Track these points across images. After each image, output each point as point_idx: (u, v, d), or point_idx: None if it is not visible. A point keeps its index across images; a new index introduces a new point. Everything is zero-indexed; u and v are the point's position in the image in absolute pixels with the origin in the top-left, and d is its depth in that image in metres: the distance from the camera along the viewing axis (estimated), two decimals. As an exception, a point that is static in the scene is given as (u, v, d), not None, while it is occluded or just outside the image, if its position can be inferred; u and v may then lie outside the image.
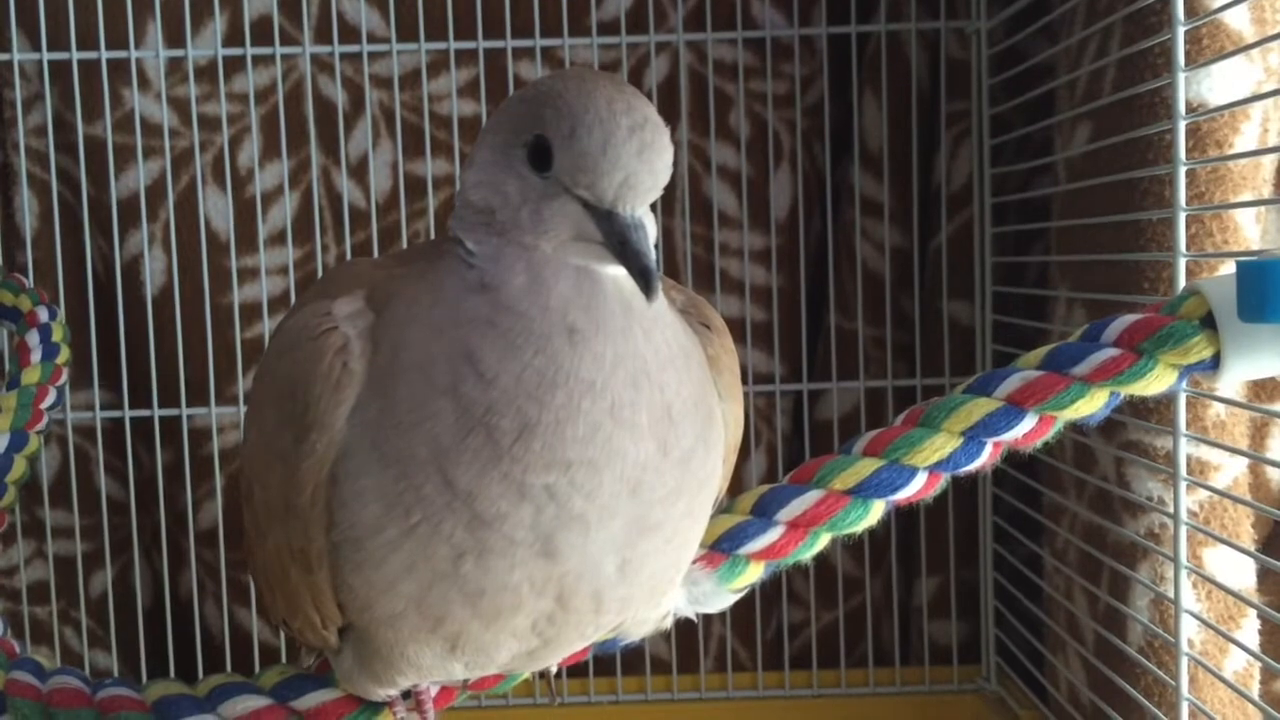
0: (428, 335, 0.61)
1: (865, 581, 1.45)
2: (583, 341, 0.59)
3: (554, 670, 0.74)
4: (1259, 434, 1.07)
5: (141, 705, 0.72)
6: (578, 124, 0.56)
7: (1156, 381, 0.70)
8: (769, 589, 1.45)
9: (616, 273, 0.60)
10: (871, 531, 1.40)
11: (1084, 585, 1.12)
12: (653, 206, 1.25)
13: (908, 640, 1.47)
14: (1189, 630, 0.96)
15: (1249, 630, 1.00)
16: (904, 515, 1.44)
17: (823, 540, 0.73)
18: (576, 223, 0.58)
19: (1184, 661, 0.93)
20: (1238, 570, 0.99)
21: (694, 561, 0.71)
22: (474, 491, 0.58)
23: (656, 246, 0.65)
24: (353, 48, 1.39)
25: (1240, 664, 1.00)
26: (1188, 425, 0.95)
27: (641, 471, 0.60)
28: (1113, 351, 0.70)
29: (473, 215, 0.62)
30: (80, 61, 1.36)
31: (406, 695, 0.71)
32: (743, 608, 1.45)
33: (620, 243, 0.57)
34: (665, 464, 0.61)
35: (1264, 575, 1.02)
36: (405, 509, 0.59)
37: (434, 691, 0.72)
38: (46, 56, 1.37)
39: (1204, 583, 0.97)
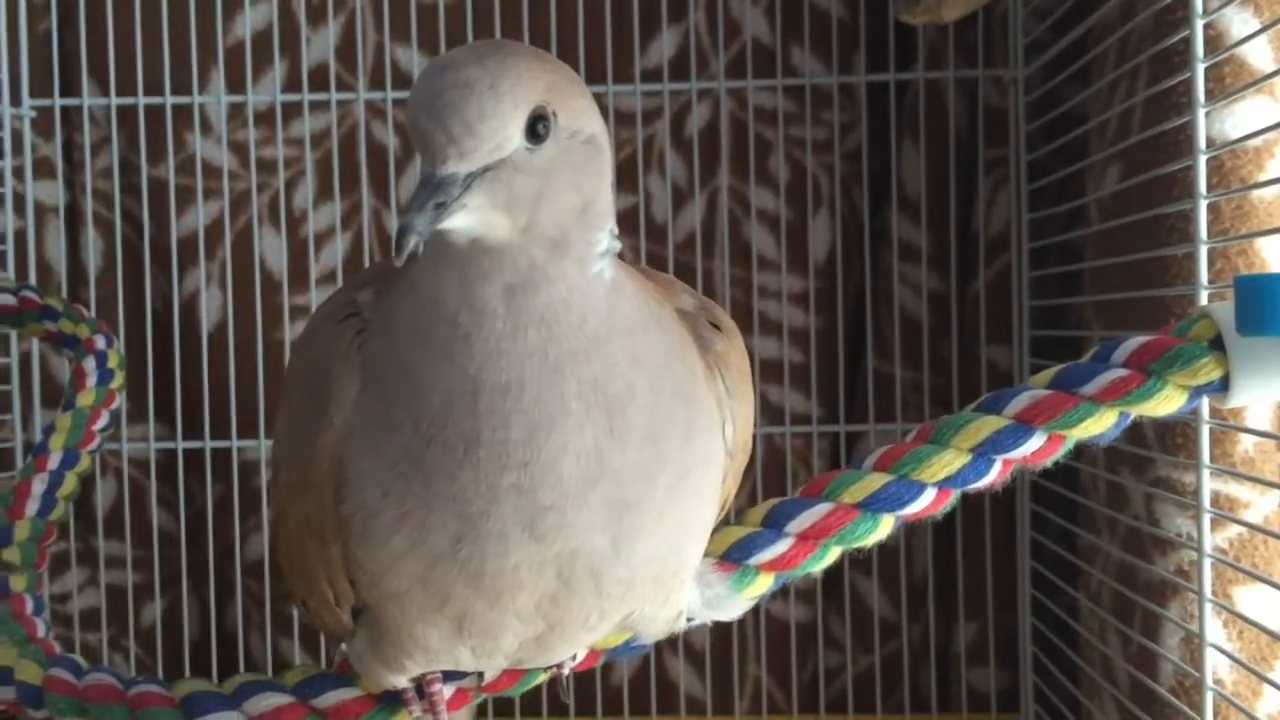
0: (383, 342, 0.63)
1: (903, 626, 1.44)
2: (475, 341, 0.60)
3: (567, 671, 0.75)
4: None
5: (170, 701, 0.75)
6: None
7: (1165, 402, 0.71)
8: (806, 631, 1.45)
9: (480, 255, 0.60)
10: (909, 576, 1.42)
11: (1117, 626, 1.11)
12: (691, 247, 1.27)
13: (946, 687, 1.46)
14: (1220, 669, 0.95)
15: (1284, 672, 0.99)
16: (942, 559, 1.44)
17: (832, 553, 0.74)
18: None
19: (1209, 697, 0.92)
20: (1272, 609, 0.98)
21: (710, 566, 0.73)
22: (453, 493, 0.61)
23: (619, 251, 0.65)
24: (405, 94, 1.43)
25: (1275, 706, 0.99)
26: (1215, 460, 0.95)
27: (596, 456, 0.61)
28: (1121, 372, 0.71)
29: None
30: (146, 106, 1.43)
31: (421, 694, 0.73)
32: (779, 650, 1.45)
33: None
34: (622, 445, 0.62)
35: (1301, 617, 1.01)
36: (398, 497, 0.62)
37: (449, 694, 0.73)
38: (115, 102, 1.44)
39: (1235, 621, 0.96)
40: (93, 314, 1.40)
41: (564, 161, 0.60)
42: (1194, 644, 0.98)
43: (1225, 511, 0.96)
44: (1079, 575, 1.26)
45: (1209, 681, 0.92)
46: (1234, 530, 0.97)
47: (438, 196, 0.56)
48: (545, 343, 0.61)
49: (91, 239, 1.46)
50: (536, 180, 0.59)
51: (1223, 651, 0.93)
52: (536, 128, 0.59)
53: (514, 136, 0.58)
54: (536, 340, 0.60)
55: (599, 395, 0.61)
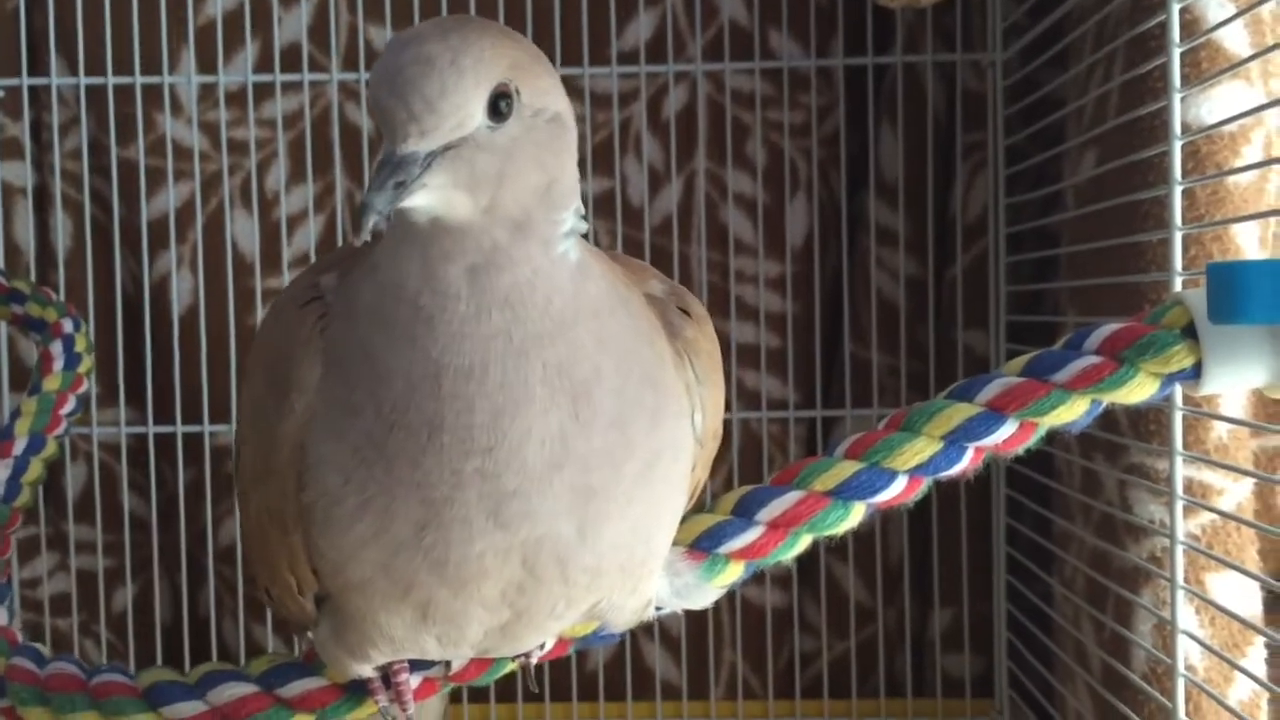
0: (344, 325, 0.63)
1: (879, 612, 1.44)
2: (438, 324, 0.59)
3: (535, 660, 0.75)
4: (1271, 461, 1.06)
5: (134, 691, 0.74)
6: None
7: (1137, 389, 0.70)
8: (781, 617, 1.45)
9: (442, 235, 0.59)
10: (885, 561, 1.42)
11: (1091, 613, 1.12)
12: (668, 231, 1.25)
13: (921, 672, 1.46)
14: (1192, 655, 0.95)
15: (1255, 658, 0.99)
16: (918, 545, 1.44)
17: (803, 541, 0.73)
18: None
19: (1180, 683, 0.92)
20: (1244, 597, 0.98)
21: (679, 555, 0.72)
22: (416, 479, 0.60)
23: (585, 235, 0.64)
24: (379, 75, 1.42)
25: (1246, 693, 0.99)
26: (1188, 447, 0.95)
27: (561, 441, 0.60)
28: (1094, 359, 0.71)
29: None
30: (116, 86, 1.41)
31: (387, 684, 0.72)
32: (754, 635, 1.45)
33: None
34: (588, 430, 0.61)
35: (1273, 603, 1.01)
36: (360, 483, 0.61)
37: (415, 683, 0.73)
38: (84, 81, 1.42)
39: (1207, 608, 0.97)
40: (61, 296, 1.39)
41: (527, 140, 0.59)
42: (1166, 630, 0.98)
43: (1198, 498, 0.96)
44: (1053, 561, 1.26)
45: (1180, 668, 0.92)
46: (1206, 517, 0.97)
47: (398, 175, 0.56)
48: (509, 325, 0.60)
49: (60, 220, 1.44)
50: (499, 159, 0.58)
51: (1194, 638, 0.93)
52: (499, 105, 0.58)
53: (476, 114, 0.57)
54: (500, 322, 0.60)
55: (564, 379, 0.61)
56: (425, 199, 0.57)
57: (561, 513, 0.61)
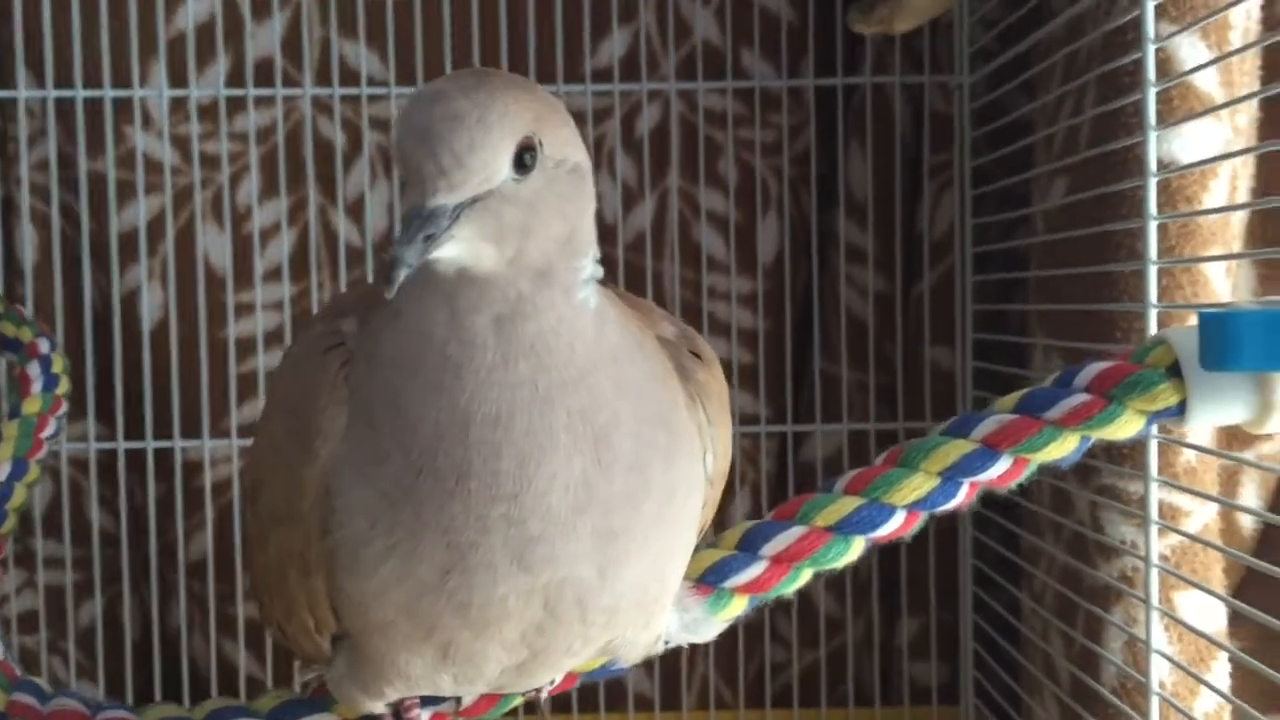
0: (369, 372, 0.64)
1: (847, 622, 1.47)
2: (466, 373, 0.60)
3: (544, 695, 0.76)
4: (1230, 482, 1.10)
5: (139, 728, 0.74)
6: (399, 113, 0.60)
7: (1125, 426, 0.73)
8: (752, 628, 1.47)
9: (467, 286, 0.60)
10: (854, 573, 1.45)
11: (1060, 627, 1.15)
12: (641, 248, 1.26)
13: (889, 680, 1.49)
14: (1161, 672, 0.98)
15: (1219, 673, 1.03)
16: (886, 557, 1.46)
17: (805, 575, 0.75)
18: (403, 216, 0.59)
19: (1155, 701, 0.95)
20: (1209, 614, 1.02)
21: (687, 590, 0.74)
22: (443, 524, 0.61)
23: (605, 279, 0.66)
24: (352, 90, 1.42)
25: (1210, 705, 1.02)
26: (1159, 471, 0.98)
27: (584, 485, 0.62)
28: (1084, 397, 0.73)
29: None
30: (85, 99, 1.39)
31: (398, 718, 0.73)
32: (726, 646, 1.47)
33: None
34: (609, 473, 0.62)
35: (1235, 619, 1.05)
36: (388, 527, 0.62)
37: (425, 718, 0.74)
38: (52, 94, 1.40)
39: (1176, 625, 1.00)
40: (30, 310, 1.37)
41: (550, 191, 0.61)
42: (1137, 647, 1.01)
43: (1168, 519, 1.00)
44: (1020, 575, 1.30)
45: (1154, 687, 0.95)
46: (1176, 538, 1.01)
47: (427, 229, 0.57)
48: (535, 373, 0.61)
49: (27, 233, 1.43)
50: (523, 211, 0.60)
51: (1166, 657, 0.97)
52: (524, 158, 0.59)
53: (502, 168, 0.59)
54: (526, 371, 0.61)
55: (587, 425, 0.62)
56: (453, 250, 0.58)
57: (583, 555, 0.63)
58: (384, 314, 0.64)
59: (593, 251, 0.65)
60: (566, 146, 0.62)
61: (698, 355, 0.71)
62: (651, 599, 0.68)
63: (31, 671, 1.41)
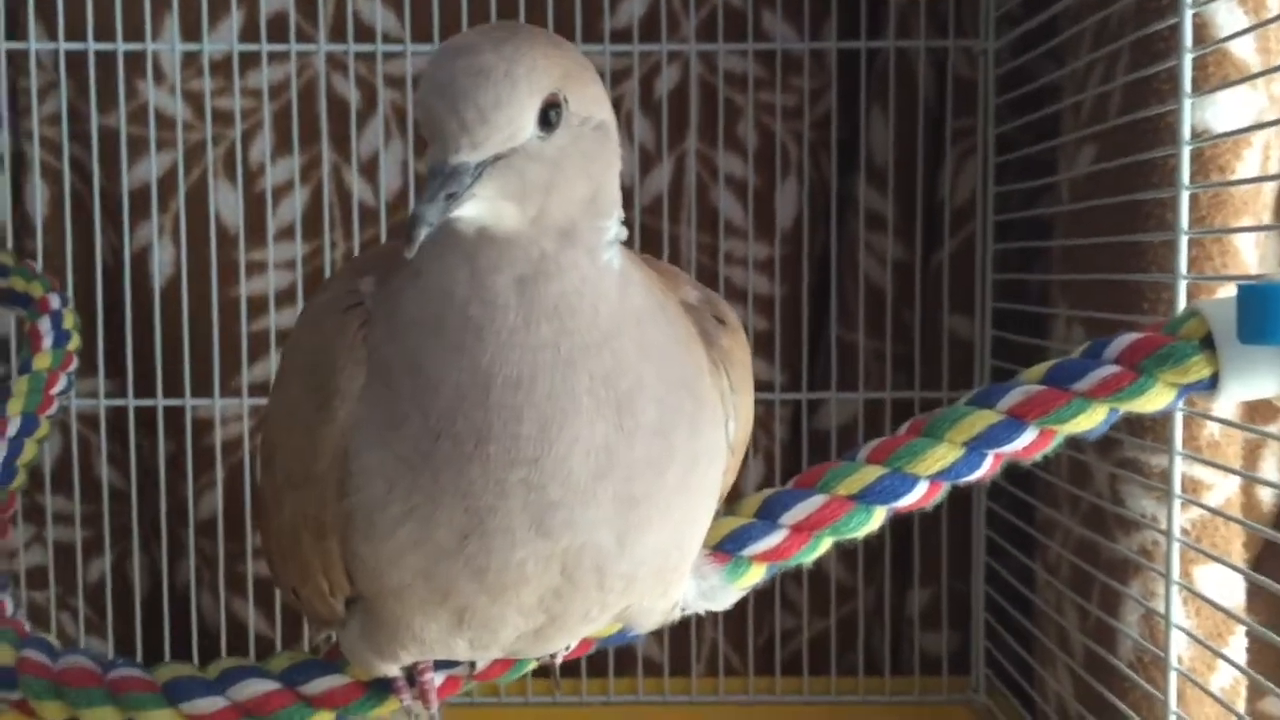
0: (388, 332, 0.62)
1: (858, 590, 1.46)
2: (487, 334, 0.59)
3: (558, 660, 0.75)
4: (1252, 455, 1.09)
5: (152, 686, 0.73)
6: (425, 67, 0.58)
7: (1155, 399, 0.72)
8: (763, 595, 1.46)
9: (490, 245, 0.59)
10: (866, 541, 1.42)
11: (1075, 600, 1.14)
12: (658, 211, 1.24)
13: (899, 650, 1.48)
14: (1178, 646, 0.98)
15: (1237, 647, 1.02)
16: (898, 526, 1.45)
17: (825, 544, 0.74)
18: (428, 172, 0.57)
19: (1173, 676, 0.94)
20: (1228, 588, 1.01)
21: (705, 557, 0.73)
22: (461, 488, 0.60)
23: (626, 241, 0.64)
24: (367, 47, 1.40)
25: (1227, 680, 1.02)
26: (1183, 444, 0.97)
27: (606, 451, 0.61)
28: (1113, 369, 0.72)
29: None
30: (96, 53, 1.38)
31: (412, 682, 0.72)
32: (736, 613, 1.45)
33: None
34: (631, 439, 0.61)
35: (1254, 594, 1.04)
36: (405, 491, 0.61)
37: (439, 681, 0.73)
38: (63, 47, 1.38)
39: (1194, 599, 0.99)
40: (40, 265, 1.37)
41: (575, 150, 0.59)
42: (1154, 621, 1.01)
43: (1190, 493, 0.98)
44: (1034, 546, 1.29)
45: (1173, 662, 0.94)
46: (1196, 511, 1.00)
47: (449, 186, 0.55)
48: (557, 335, 0.60)
49: (38, 188, 1.41)
50: (548, 169, 0.58)
51: (1185, 632, 0.96)
52: (549, 115, 0.58)
53: (528, 125, 0.57)
54: (549, 333, 0.60)
55: (609, 390, 0.61)
56: (475, 209, 0.57)
57: (603, 522, 0.62)
58: (404, 274, 0.63)
59: (617, 212, 0.63)
60: (593, 104, 0.60)
61: (721, 320, 0.69)
62: (671, 567, 0.67)
63: (40, 627, 1.41)
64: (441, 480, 0.60)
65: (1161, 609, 0.97)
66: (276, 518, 0.68)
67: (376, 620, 0.67)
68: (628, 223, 1.41)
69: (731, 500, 0.78)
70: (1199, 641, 0.97)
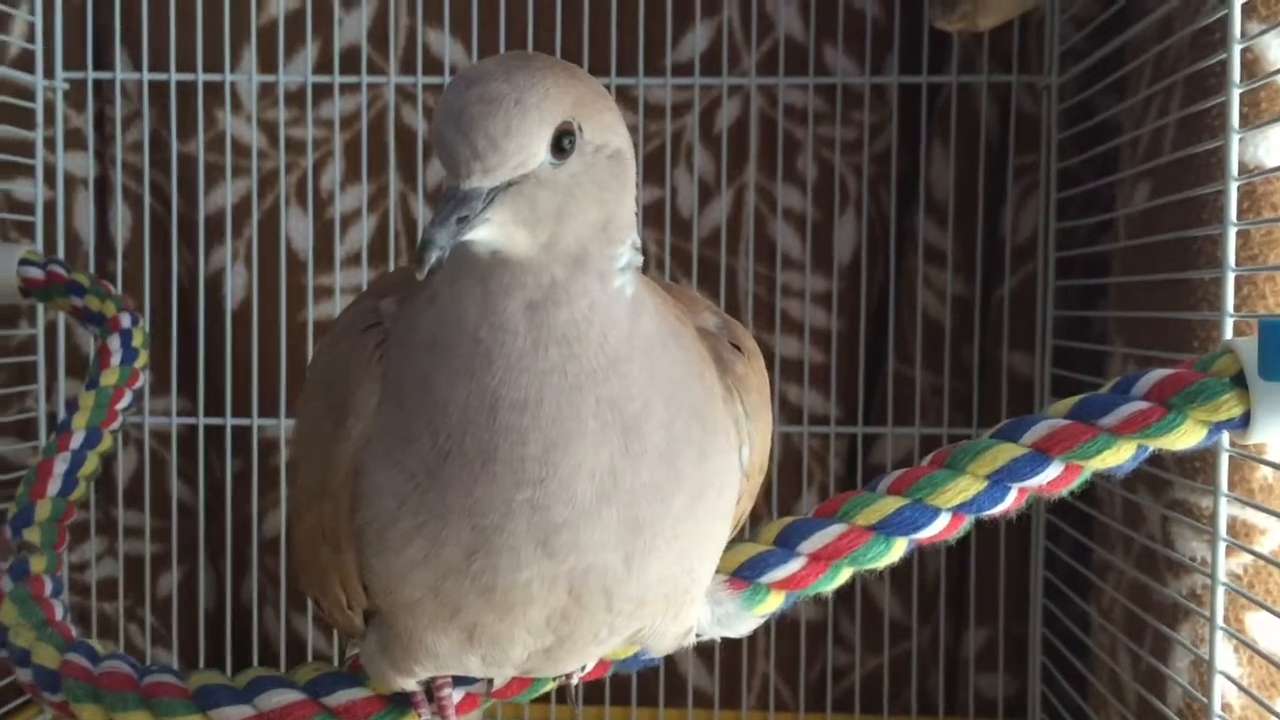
0: (403, 353, 0.64)
1: (913, 629, 1.44)
2: (496, 357, 0.60)
3: (575, 681, 0.76)
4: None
5: (184, 692, 0.76)
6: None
7: (1185, 436, 0.71)
8: (815, 630, 1.45)
9: (501, 270, 0.60)
10: (921, 579, 1.42)
11: (1128, 644, 1.12)
12: (716, 243, 1.25)
13: (953, 691, 1.46)
14: (1228, 694, 0.95)
15: (1291, 698, 0.99)
16: (955, 564, 1.44)
17: (844, 574, 0.74)
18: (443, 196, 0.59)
19: (1216, 723, 0.92)
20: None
21: (721, 583, 0.73)
22: (468, 507, 0.61)
23: (641, 265, 0.65)
24: (436, 79, 1.44)
25: (1281, 733, 0.99)
26: (1233, 487, 0.95)
27: (611, 474, 0.61)
28: (1142, 404, 0.71)
29: None
30: (178, 82, 1.43)
31: (430, 698, 0.74)
32: (788, 648, 1.46)
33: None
34: (637, 464, 0.62)
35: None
36: (414, 509, 0.62)
37: (457, 698, 0.74)
38: (147, 77, 1.44)
39: (1245, 647, 0.96)
40: (119, 287, 1.42)
41: (587, 177, 0.60)
42: (1204, 668, 0.98)
43: (1240, 539, 0.96)
44: (1091, 589, 1.26)
45: (1216, 708, 0.92)
46: (1248, 556, 0.97)
47: (460, 210, 0.57)
48: (565, 360, 0.61)
49: (120, 212, 1.47)
50: (560, 195, 0.59)
51: (1231, 680, 0.93)
52: (562, 143, 0.59)
53: (539, 152, 0.58)
54: (557, 358, 0.61)
55: (616, 414, 0.62)
56: (486, 234, 0.58)
57: (609, 544, 0.62)
58: (422, 296, 0.65)
59: (631, 238, 0.64)
60: (608, 131, 0.61)
61: (738, 347, 0.70)
62: (681, 591, 0.67)
63: (109, 637, 1.46)
64: (449, 499, 0.61)
65: (1209, 656, 0.94)
66: (299, 529, 0.70)
67: (392, 634, 0.68)
68: (684, 254, 1.43)
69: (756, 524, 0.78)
70: (1245, 691, 0.94)
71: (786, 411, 1.44)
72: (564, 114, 0.59)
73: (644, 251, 0.66)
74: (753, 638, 1.44)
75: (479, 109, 0.57)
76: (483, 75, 0.58)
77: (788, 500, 1.44)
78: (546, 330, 0.61)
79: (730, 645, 1.44)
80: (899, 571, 1.42)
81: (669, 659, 1.45)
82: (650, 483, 0.62)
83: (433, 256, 0.56)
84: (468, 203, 0.57)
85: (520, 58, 0.60)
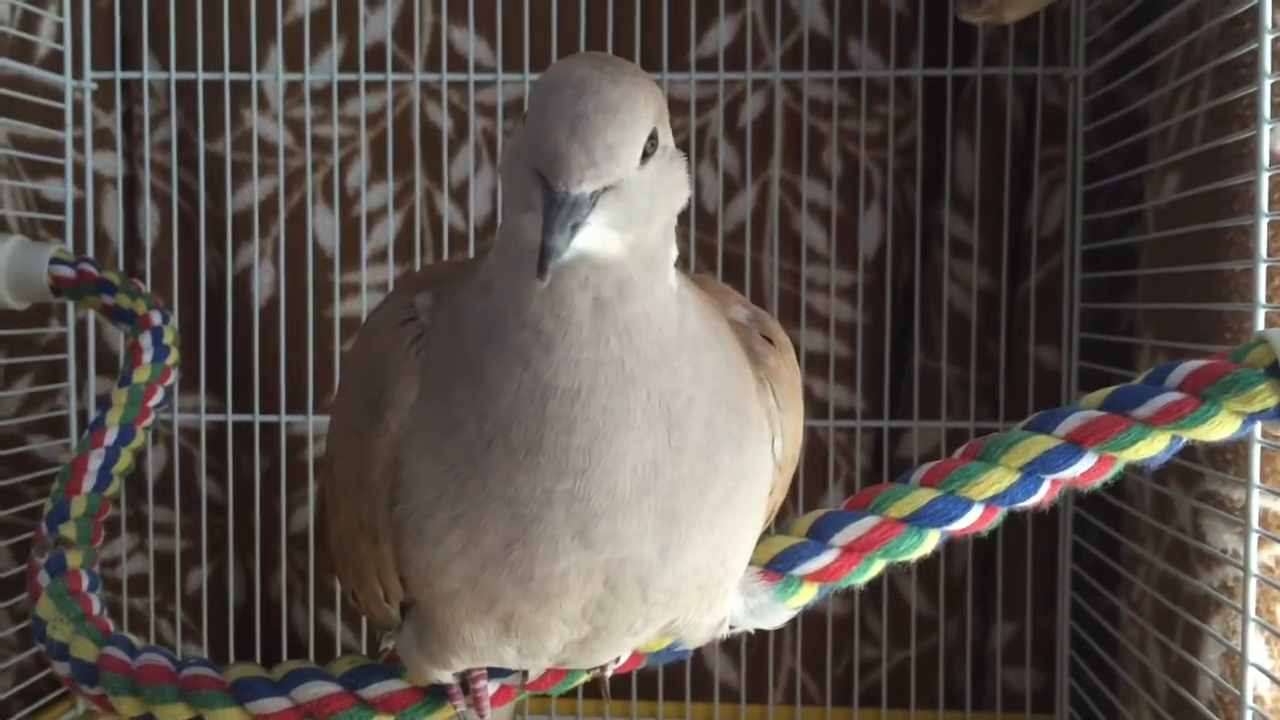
0: (449, 343, 0.65)
1: (940, 623, 1.44)
2: (556, 348, 0.61)
3: (609, 673, 0.76)
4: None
5: (221, 685, 0.77)
6: (537, 96, 0.59)
7: (1219, 427, 0.71)
8: (842, 624, 1.46)
9: (584, 269, 0.60)
10: (948, 572, 1.42)
11: (1158, 637, 1.11)
12: (741, 237, 1.26)
13: (981, 685, 1.46)
14: (1260, 686, 0.95)
15: (1323, 690, 0.99)
16: (982, 557, 1.43)
17: (876, 566, 0.74)
18: (524, 188, 0.59)
19: (1249, 716, 0.92)
20: (1314, 629, 0.98)
21: (754, 575, 0.73)
22: (508, 496, 0.62)
23: (683, 258, 0.66)
24: (460, 76, 1.44)
25: (1313, 725, 0.98)
26: (1265, 478, 0.94)
27: (652, 467, 0.62)
28: (1175, 395, 0.71)
29: None
30: (205, 82, 1.44)
31: (465, 690, 0.74)
32: (815, 642, 1.46)
33: (543, 214, 0.57)
34: (678, 457, 0.63)
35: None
36: (453, 499, 0.63)
37: (492, 690, 0.75)
38: (174, 76, 1.45)
39: (1277, 639, 0.96)
40: (148, 285, 1.43)
41: (662, 178, 0.62)
42: (1235, 660, 0.98)
43: (1273, 530, 0.96)
44: (1119, 582, 1.26)
45: (1249, 700, 0.92)
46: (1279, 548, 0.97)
47: (574, 217, 0.57)
48: (624, 352, 0.62)
49: (148, 211, 1.48)
50: (645, 198, 0.60)
51: (1263, 671, 0.93)
52: (646, 147, 0.60)
53: (638, 158, 0.59)
54: (616, 349, 0.61)
55: (663, 408, 0.62)
56: (588, 238, 0.58)
57: (646, 536, 0.63)
58: (469, 287, 0.65)
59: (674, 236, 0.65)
60: (669, 134, 0.63)
61: (769, 339, 0.70)
62: (714, 582, 0.68)
63: (139, 632, 1.48)
64: (489, 487, 0.62)
65: (1241, 648, 0.94)
66: (335, 522, 0.71)
67: (429, 626, 0.69)
68: (709, 249, 1.43)
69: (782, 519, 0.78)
70: (1277, 683, 0.94)
71: (812, 405, 1.44)
72: (654, 120, 0.60)
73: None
74: (779, 632, 1.44)
75: (598, 118, 0.57)
76: (591, 83, 0.58)
77: (814, 494, 1.44)
78: (610, 324, 0.61)
79: (757, 639, 1.44)
80: (926, 565, 1.42)
81: (696, 653, 1.45)
82: (689, 475, 0.63)
83: (555, 262, 0.56)
84: (578, 209, 0.57)
85: (612, 62, 0.60)
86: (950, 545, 1.41)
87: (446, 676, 0.73)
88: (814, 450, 1.44)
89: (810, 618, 1.45)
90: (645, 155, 0.59)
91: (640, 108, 0.58)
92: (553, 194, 0.57)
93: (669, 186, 0.62)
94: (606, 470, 0.62)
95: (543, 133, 0.58)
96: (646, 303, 0.62)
